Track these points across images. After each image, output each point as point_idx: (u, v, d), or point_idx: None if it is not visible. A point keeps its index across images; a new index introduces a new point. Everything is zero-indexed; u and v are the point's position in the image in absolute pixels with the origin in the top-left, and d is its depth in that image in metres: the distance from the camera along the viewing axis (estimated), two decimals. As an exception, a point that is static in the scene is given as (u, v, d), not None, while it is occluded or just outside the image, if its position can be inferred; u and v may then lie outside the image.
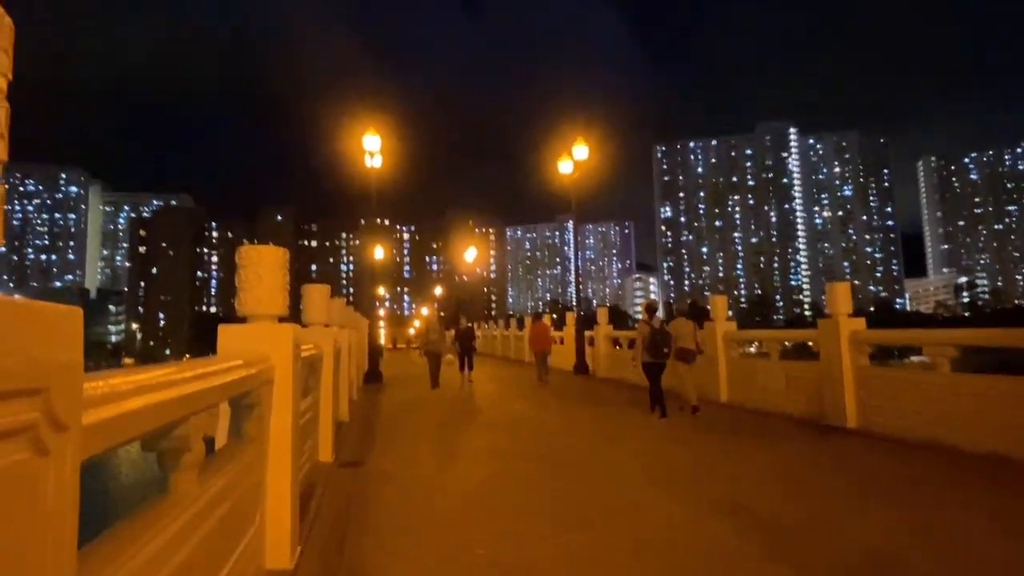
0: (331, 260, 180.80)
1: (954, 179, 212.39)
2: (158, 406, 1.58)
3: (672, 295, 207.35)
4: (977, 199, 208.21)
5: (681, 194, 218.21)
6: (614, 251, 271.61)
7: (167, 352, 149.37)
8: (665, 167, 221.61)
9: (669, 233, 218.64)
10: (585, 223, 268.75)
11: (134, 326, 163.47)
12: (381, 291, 62.86)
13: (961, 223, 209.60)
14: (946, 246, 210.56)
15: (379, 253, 24.49)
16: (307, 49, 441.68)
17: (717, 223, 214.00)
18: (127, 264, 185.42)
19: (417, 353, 46.30)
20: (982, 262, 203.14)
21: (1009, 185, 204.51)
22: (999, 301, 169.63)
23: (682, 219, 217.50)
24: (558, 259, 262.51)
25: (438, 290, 78.02)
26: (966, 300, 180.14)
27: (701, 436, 8.18)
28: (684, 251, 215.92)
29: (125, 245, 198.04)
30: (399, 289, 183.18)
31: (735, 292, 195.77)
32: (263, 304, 3.53)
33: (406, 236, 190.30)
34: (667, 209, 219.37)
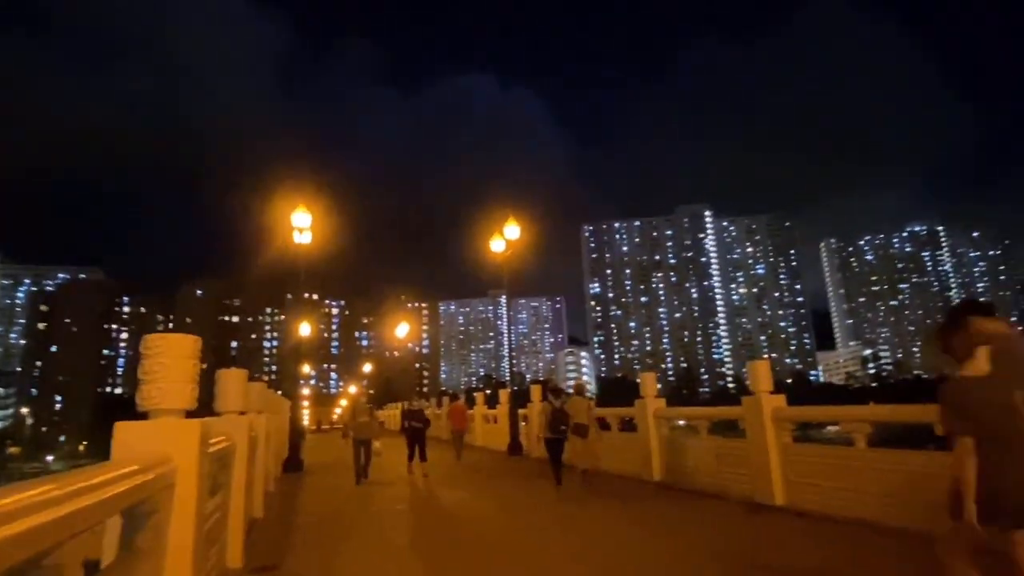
0: (254, 336, 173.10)
1: (852, 260, 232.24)
2: (24, 536, 1.25)
3: (603, 369, 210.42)
4: (874, 278, 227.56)
5: (608, 271, 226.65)
6: (546, 326, 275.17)
7: (61, 439, 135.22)
8: (593, 245, 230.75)
9: (598, 308, 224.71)
10: (517, 298, 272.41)
11: (24, 410, 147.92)
12: (306, 368, 60.29)
13: (862, 299, 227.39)
14: (850, 321, 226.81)
15: (305, 330, 23.62)
16: (233, 121, 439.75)
17: (643, 299, 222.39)
18: (22, 342, 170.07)
19: (343, 436, 44.00)
20: (883, 335, 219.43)
21: (899, 265, 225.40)
22: (900, 372, 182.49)
23: (610, 295, 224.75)
24: (491, 334, 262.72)
25: (367, 367, 75.74)
26: (872, 371, 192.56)
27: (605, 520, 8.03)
28: (613, 326, 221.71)
29: (22, 321, 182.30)
30: (326, 366, 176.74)
31: (662, 365, 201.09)
32: (168, 397, 3.21)
33: (335, 311, 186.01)
34: (596, 285, 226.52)
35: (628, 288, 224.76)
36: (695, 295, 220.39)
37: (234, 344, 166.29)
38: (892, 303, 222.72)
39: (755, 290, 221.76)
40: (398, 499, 10.85)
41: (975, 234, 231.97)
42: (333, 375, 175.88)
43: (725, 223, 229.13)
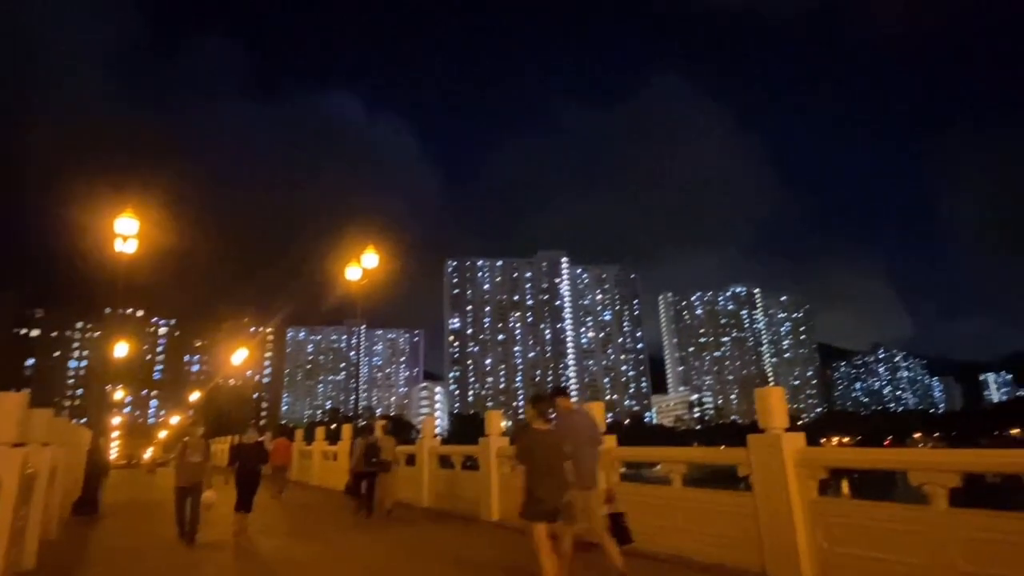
0: (57, 354, 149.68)
1: (685, 313, 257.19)
2: None
3: (457, 405, 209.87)
4: (702, 330, 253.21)
5: (469, 307, 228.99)
6: (402, 359, 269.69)
7: None
8: (455, 281, 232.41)
9: (456, 344, 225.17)
10: (374, 329, 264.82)
11: None
12: (119, 394, 53.11)
13: (691, 349, 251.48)
14: (681, 368, 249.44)
15: (121, 349, 20.80)
16: (58, 116, 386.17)
17: (500, 337, 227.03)
18: None
19: (148, 471, 38.86)
20: (707, 383, 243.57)
21: (723, 321, 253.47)
22: (720, 416, 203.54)
23: (469, 331, 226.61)
24: (343, 364, 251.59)
25: (195, 395, 68.49)
26: (697, 415, 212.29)
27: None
28: (470, 362, 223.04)
29: None
30: (146, 392, 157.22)
31: (514, 403, 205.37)
32: None
33: (163, 331, 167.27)
34: (455, 321, 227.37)
35: (487, 325, 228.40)
36: (548, 336, 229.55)
37: (30, 363, 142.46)
38: (716, 354, 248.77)
39: (602, 335, 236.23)
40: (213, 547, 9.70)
41: (783, 298, 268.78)
42: (154, 403, 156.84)
43: (579, 270, 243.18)
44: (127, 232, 15.36)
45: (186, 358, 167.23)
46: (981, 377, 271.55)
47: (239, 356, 44.55)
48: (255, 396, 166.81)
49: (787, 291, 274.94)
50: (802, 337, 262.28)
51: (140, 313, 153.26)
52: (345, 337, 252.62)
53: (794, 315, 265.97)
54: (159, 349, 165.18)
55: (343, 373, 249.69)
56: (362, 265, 18.81)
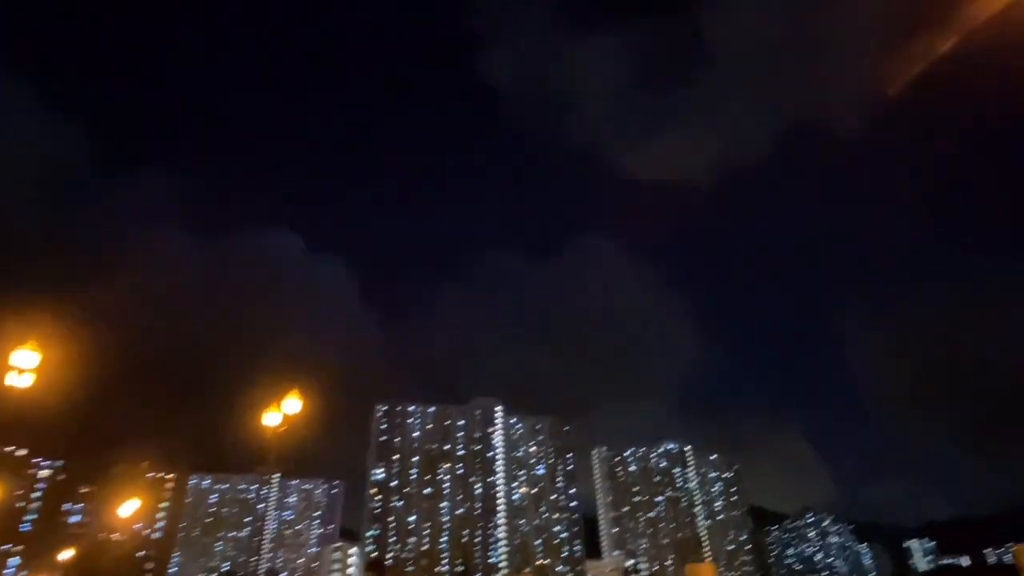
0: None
1: (619, 469, 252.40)
2: None
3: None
4: (636, 488, 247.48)
5: (396, 456, 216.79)
6: (317, 513, 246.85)
7: None
8: (384, 427, 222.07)
9: (379, 497, 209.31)
10: (290, 478, 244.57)
11: None
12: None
13: (626, 509, 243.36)
14: (616, 530, 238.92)
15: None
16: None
17: (427, 491, 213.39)
18: None
19: None
20: (643, 546, 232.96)
21: (656, 479, 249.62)
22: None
23: (394, 483, 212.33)
24: (250, 519, 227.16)
25: (68, 553, 59.16)
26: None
27: None
28: (392, 519, 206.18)
29: None
30: (8, 547, 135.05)
31: (437, 569, 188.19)
32: None
33: (45, 473, 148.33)
34: (380, 471, 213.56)
35: (414, 477, 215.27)
36: (479, 491, 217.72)
37: None
38: (651, 515, 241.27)
39: (535, 490, 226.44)
40: None
41: (713, 456, 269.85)
42: (14, 560, 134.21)
43: (514, 420, 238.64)
44: (25, 365, 14.14)
45: (66, 506, 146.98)
46: (905, 544, 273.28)
47: (129, 506, 39.59)
48: (139, 554, 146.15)
49: (716, 449, 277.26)
50: (733, 499, 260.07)
51: (22, 452, 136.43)
52: (256, 487, 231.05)
53: (724, 475, 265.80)
54: (35, 495, 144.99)
55: (247, 529, 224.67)
56: (283, 410, 17.84)
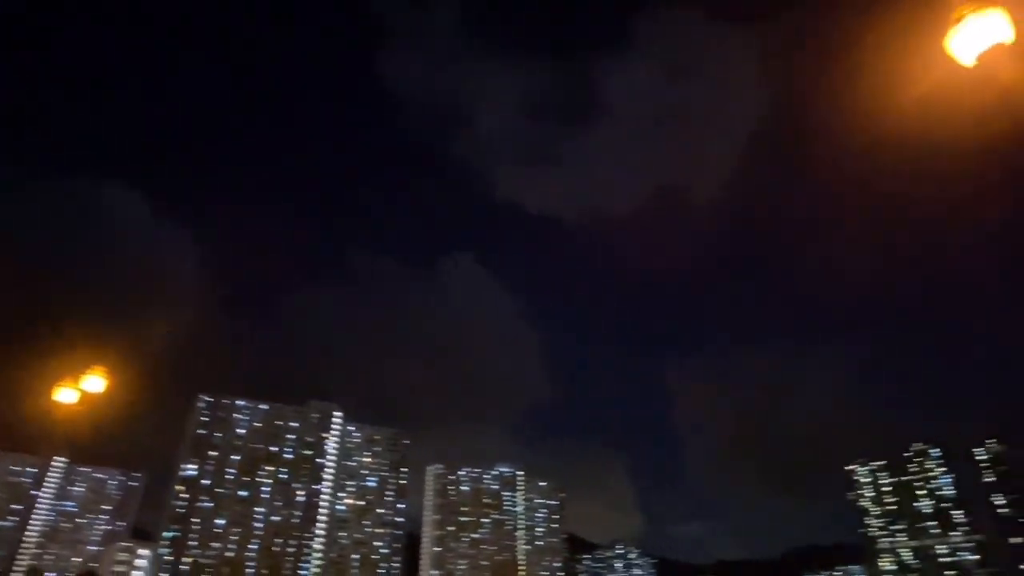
0: None
1: (451, 488, 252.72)
2: None
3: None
4: (464, 508, 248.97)
5: (214, 453, 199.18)
6: (107, 507, 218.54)
7: None
8: (205, 419, 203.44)
9: (186, 496, 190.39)
10: (80, 464, 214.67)
11: None
12: None
13: (451, 528, 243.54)
14: (438, 549, 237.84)
15: None
16: None
17: (243, 493, 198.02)
18: None
19: None
20: (461, 567, 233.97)
21: (486, 500, 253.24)
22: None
23: (206, 481, 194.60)
24: (17, 507, 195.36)
25: None
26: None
27: None
28: (197, 520, 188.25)
29: None
30: None
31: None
32: None
33: None
34: (193, 467, 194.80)
35: (231, 477, 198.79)
36: (302, 498, 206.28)
37: None
38: (474, 536, 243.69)
39: (362, 503, 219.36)
40: None
41: (543, 483, 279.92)
42: None
43: (352, 428, 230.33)
44: None
45: None
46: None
47: None
48: None
49: (547, 477, 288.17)
50: (554, 525, 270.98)
51: None
52: (34, 470, 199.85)
53: (550, 501, 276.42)
54: None
55: (15, 518, 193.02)
56: (81, 388, 15.92)
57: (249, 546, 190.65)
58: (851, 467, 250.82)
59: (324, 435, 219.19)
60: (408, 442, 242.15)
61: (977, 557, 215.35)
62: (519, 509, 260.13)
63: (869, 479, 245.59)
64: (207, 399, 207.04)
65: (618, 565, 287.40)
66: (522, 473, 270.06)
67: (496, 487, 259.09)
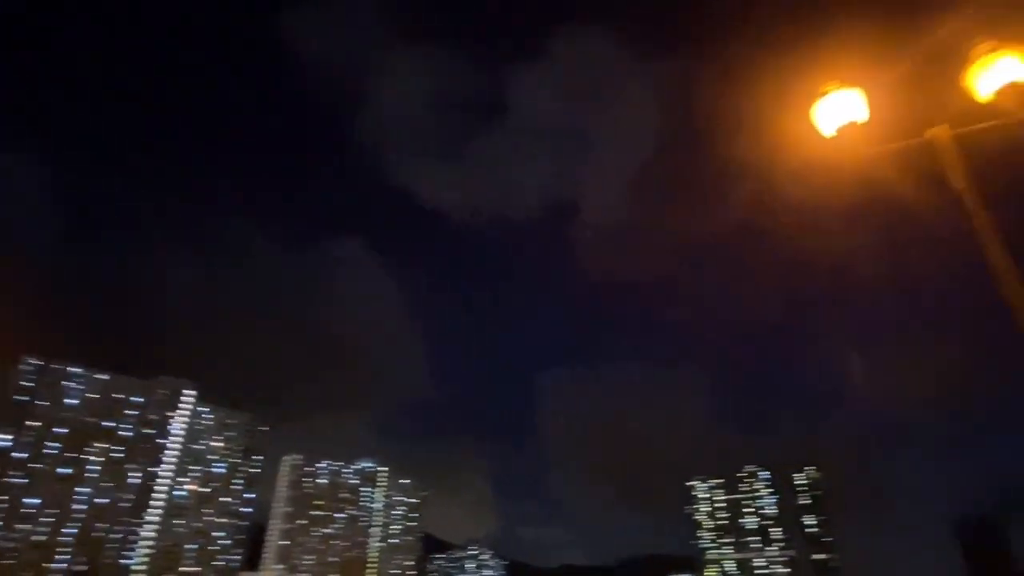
0: None
1: (307, 480, 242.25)
2: None
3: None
4: (319, 502, 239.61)
5: (36, 423, 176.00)
6: None
7: None
8: (29, 386, 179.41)
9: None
10: None
11: None
12: None
13: (303, 522, 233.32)
14: (285, 542, 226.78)
15: None
16: None
17: (65, 470, 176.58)
18: None
19: None
20: (308, 562, 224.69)
21: (342, 495, 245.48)
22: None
23: (22, 454, 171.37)
24: None
25: None
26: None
27: None
28: (5, 497, 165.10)
29: None
30: None
31: (49, 564, 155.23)
32: None
33: None
34: (7, 437, 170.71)
35: (52, 452, 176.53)
36: (135, 480, 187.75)
37: None
38: (326, 530, 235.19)
39: (206, 489, 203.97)
40: None
41: (405, 481, 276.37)
42: None
43: (204, 409, 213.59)
44: None
45: None
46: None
47: None
48: None
49: (410, 474, 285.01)
50: (412, 524, 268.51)
51: None
52: None
53: (410, 499, 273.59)
54: None
55: None
56: None
57: (64, 530, 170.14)
58: (691, 483, 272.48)
59: (170, 414, 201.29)
60: (265, 429, 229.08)
61: (787, 571, 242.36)
62: (377, 506, 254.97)
63: (706, 495, 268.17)
64: (34, 362, 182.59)
65: (470, 566, 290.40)
66: (385, 469, 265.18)
67: (355, 482, 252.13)
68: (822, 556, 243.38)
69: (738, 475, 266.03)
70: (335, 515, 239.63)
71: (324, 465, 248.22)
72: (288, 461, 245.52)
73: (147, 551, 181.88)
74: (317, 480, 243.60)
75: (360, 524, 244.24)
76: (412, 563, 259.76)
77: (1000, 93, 6.65)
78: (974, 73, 6.77)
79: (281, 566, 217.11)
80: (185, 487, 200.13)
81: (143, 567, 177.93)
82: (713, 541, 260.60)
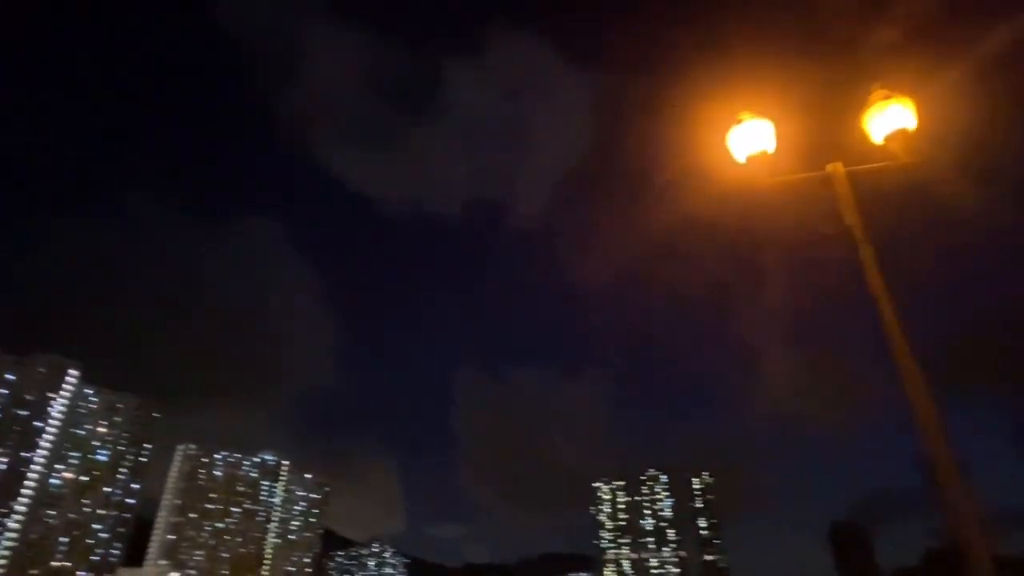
0: None
1: (202, 471, 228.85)
2: None
3: None
4: (214, 495, 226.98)
5: None
6: None
7: None
8: None
9: None
10: None
11: None
12: None
13: (193, 515, 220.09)
14: (172, 537, 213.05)
15: None
16: None
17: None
18: None
19: None
20: (197, 558, 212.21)
21: (240, 488, 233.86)
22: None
23: None
24: None
25: None
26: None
27: None
28: None
29: None
30: None
31: None
32: None
33: None
34: None
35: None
36: (1, 466, 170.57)
37: None
38: (219, 525, 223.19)
39: (85, 478, 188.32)
40: None
41: (308, 476, 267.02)
42: None
43: (89, 391, 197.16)
44: None
45: None
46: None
47: None
48: None
49: (314, 469, 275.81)
50: (312, 520, 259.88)
51: None
52: None
53: (313, 495, 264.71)
54: None
55: None
56: None
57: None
58: (597, 484, 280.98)
59: (51, 395, 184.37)
60: (158, 415, 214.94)
61: (678, 571, 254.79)
62: (276, 500, 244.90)
63: (609, 496, 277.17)
64: None
65: (371, 563, 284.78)
66: (287, 463, 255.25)
67: (255, 475, 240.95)
68: (712, 557, 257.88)
69: (641, 478, 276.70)
70: (231, 509, 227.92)
71: (221, 456, 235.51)
72: (182, 451, 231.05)
73: (9, 543, 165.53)
74: (213, 472, 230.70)
75: (257, 520, 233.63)
76: (309, 560, 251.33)
77: (890, 138, 7.28)
78: (869, 116, 7.38)
79: (165, 562, 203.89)
80: (61, 475, 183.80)
81: (3, 560, 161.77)
82: (612, 541, 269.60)
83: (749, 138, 7.49)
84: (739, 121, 7.47)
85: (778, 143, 7.70)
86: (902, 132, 7.19)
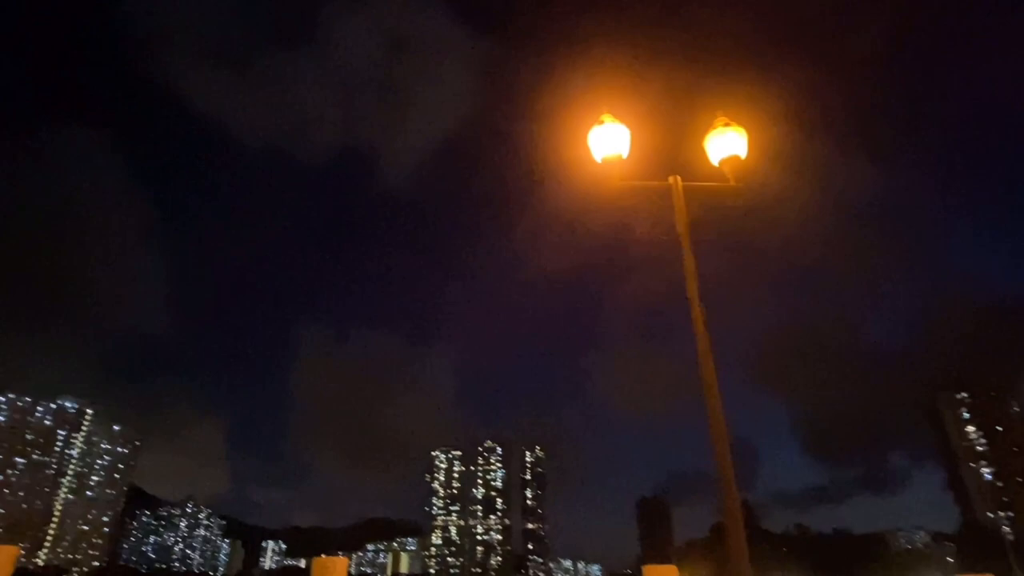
0: None
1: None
2: None
3: None
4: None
5: None
6: None
7: None
8: None
9: None
10: None
11: None
12: None
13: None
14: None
15: None
16: None
17: None
18: None
19: None
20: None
21: (29, 436, 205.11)
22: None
23: None
24: None
25: None
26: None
27: None
28: None
29: None
30: None
31: None
32: None
33: None
34: None
35: None
36: None
37: None
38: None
39: None
40: None
41: (116, 427, 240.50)
42: None
43: None
44: None
45: None
46: (263, 543, 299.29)
47: None
48: None
49: (125, 421, 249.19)
50: (116, 476, 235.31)
51: None
52: None
53: (120, 449, 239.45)
54: None
55: None
56: None
57: None
58: (435, 453, 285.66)
59: None
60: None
61: (500, 537, 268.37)
62: (74, 453, 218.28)
63: (445, 465, 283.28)
64: None
65: (182, 524, 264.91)
66: (91, 412, 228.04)
67: (50, 423, 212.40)
68: (533, 526, 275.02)
69: (479, 449, 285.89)
70: (15, 460, 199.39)
71: (7, 400, 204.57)
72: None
73: None
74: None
75: (46, 473, 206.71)
76: (108, 518, 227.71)
77: (724, 162, 8.16)
78: (709, 139, 8.21)
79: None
80: None
81: None
82: (443, 508, 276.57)
83: (606, 140, 7.99)
84: (600, 122, 7.93)
85: (632, 149, 8.30)
86: (735, 158, 8.10)
